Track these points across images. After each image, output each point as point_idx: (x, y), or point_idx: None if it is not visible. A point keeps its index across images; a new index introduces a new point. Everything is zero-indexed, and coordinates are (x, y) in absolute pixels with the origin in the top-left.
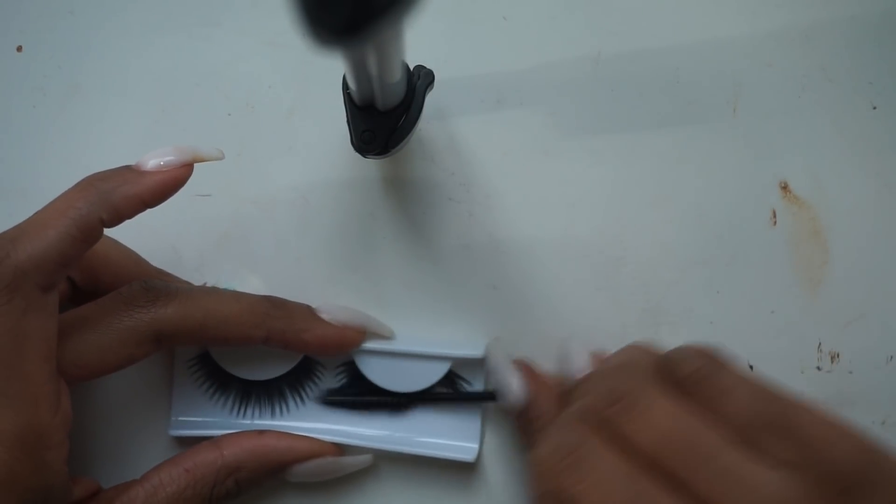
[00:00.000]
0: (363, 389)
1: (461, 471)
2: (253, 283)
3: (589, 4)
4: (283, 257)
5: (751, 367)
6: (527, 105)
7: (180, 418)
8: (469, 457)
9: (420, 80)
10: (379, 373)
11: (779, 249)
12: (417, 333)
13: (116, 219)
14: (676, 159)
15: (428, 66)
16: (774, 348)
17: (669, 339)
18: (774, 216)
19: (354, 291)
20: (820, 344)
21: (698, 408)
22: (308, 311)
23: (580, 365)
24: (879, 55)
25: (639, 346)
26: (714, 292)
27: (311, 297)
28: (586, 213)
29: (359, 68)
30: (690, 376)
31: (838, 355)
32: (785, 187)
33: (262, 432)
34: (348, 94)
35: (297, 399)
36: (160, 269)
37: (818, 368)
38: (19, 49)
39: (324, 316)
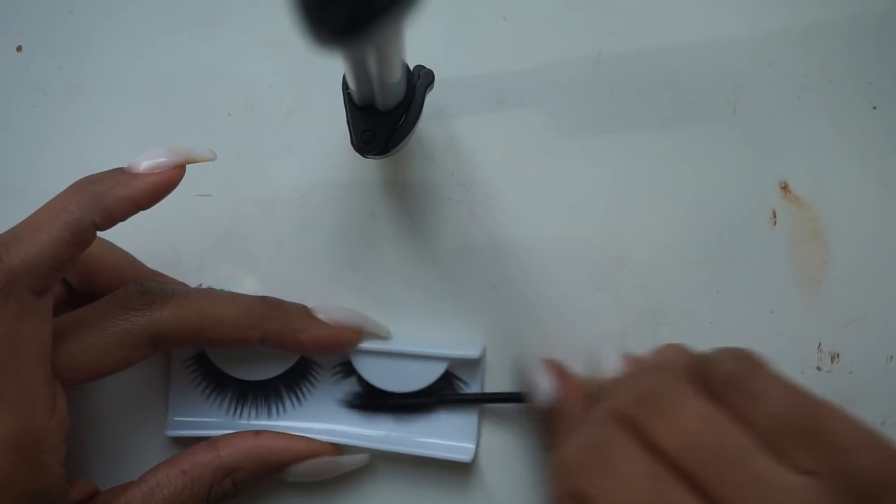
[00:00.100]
0: (388, 393)
1: (458, 471)
2: (249, 284)
3: (589, 4)
4: (283, 257)
5: None
6: (527, 105)
7: (177, 419)
8: (465, 457)
9: (420, 80)
10: (375, 373)
11: (779, 249)
12: (415, 333)
13: (109, 221)
14: (676, 159)
15: (428, 66)
16: (774, 348)
17: (669, 339)
18: (774, 216)
19: (355, 291)
20: (820, 344)
21: (728, 411)
22: (304, 312)
23: (611, 366)
24: (879, 55)
25: (675, 347)
26: (714, 292)
27: (311, 296)
28: (586, 213)
29: (359, 68)
30: (722, 379)
31: (838, 355)
32: (785, 187)
33: (258, 433)
34: (348, 94)
35: (294, 399)
36: (156, 271)
37: (818, 368)
38: (19, 49)
39: (320, 316)
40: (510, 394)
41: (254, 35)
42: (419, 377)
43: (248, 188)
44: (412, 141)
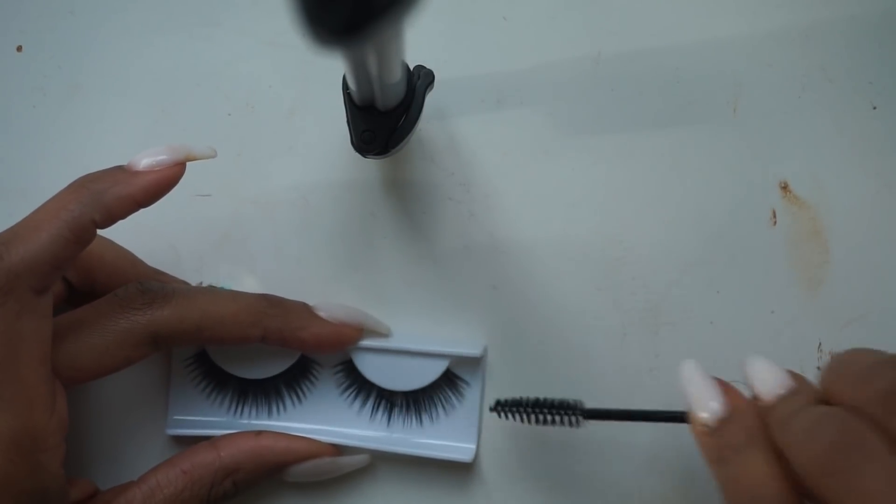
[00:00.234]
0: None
1: (458, 471)
2: (249, 283)
3: (589, 4)
4: (284, 257)
5: None
6: (527, 105)
7: (177, 417)
8: (466, 457)
9: (420, 80)
10: (376, 370)
11: (779, 249)
12: (416, 331)
13: (109, 219)
14: (676, 159)
15: (428, 66)
16: (774, 348)
17: (669, 339)
18: (774, 216)
19: (355, 291)
20: (820, 344)
21: None
22: (305, 309)
23: (775, 382)
24: (879, 55)
25: (874, 351)
26: (714, 292)
27: (311, 296)
28: (586, 212)
29: (359, 68)
30: None
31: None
32: (785, 187)
33: (259, 433)
34: (348, 94)
35: (294, 398)
36: (157, 269)
37: (818, 368)
38: (19, 49)
39: (321, 314)
40: (671, 413)
41: (254, 35)
42: (420, 375)
43: (248, 188)
44: (412, 141)
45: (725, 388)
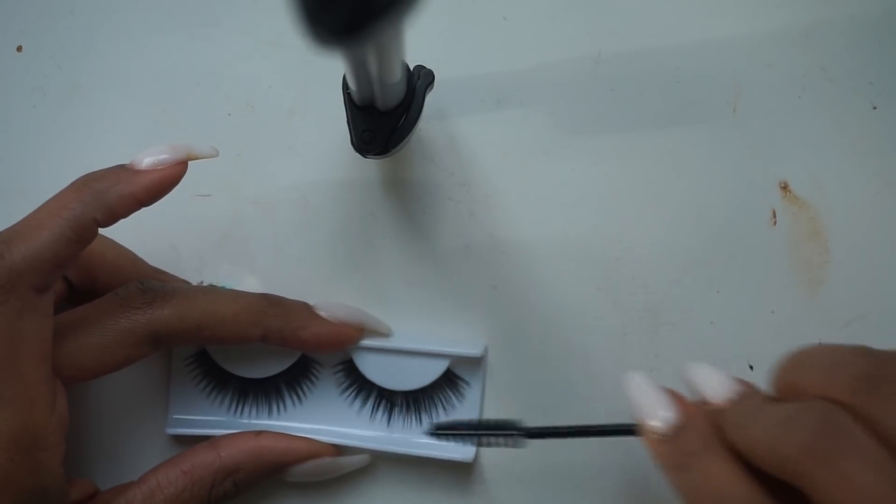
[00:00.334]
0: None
1: (459, 471)
2: (250, 283)
3: (589, 4)
4: (284, 257)
5: (751, 367)
6: (527, 105)
7: (177, 416)
8: (467, 457)
9: (420, 80)
10: (376, 370)
11: (779, 249)
12: (417, 331)
13: (111, 218)
14: (676, 159)
15: (428, 66)
16: (774, 348)
17: (669, 339)
18: (774, 216)
19: (355, 291)
20: (820, 344)
21: None
22: (305, 309)
23: (723, 386)
24: (879, 55)
25: (843, 345)
26: (714, 292)
27: (311, 296)
28: (586, 212)
29: (359, 68)
30: None
31: None
32: (785, 187)
33: (259, 433)
34: (348, 94)
35: (295, 397)
36: (157, 269)
37: None
38: (19, 49)
39: (321, 313)
40: (619, 426)
41: (254, 35)
42: (420, 375)
43: (248, 188)
44: (412, 141)
45: (674, 396)
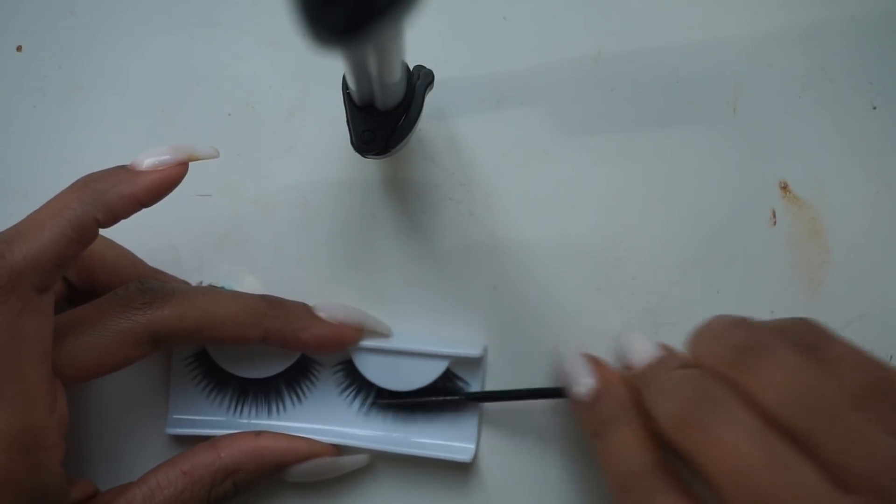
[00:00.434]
0: (422, 392)
1: (458, 471)
2: (250, 283)
3: (589, 4)
4: (283, 257)
5: None
6: (527, 105)
7: (177, 416)
8: (466, 457)
9: (420, 80)
10: (376, 371)
11: (779, 249)
12: (416, 332)
13: (112, 219)
14: (676, 159)
15: (428, 66)
16: None
17: (669, 339)
18: (774, 216)
19: (355, 291)
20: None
21: (820, 369)
22: (305, 310)
23: (646, 352)
24: (879, 55)
25: (732, 316)
26: (714, 292)
27: (311, 296)
28: (586, 212)
29: (359, 68)
30: (801, 344)
31: None
32: (785, 187)
33: (259, 433)
34: (348, 94)
35: (294, 397)
36: (157, 269)
37: None
38: (19, 49)
39: (321, 314)
40: (549, 389)
41: (254, 35)
42: (420, 375)
43: (248, 188)
44: (412, 141)
45: (595, 363)
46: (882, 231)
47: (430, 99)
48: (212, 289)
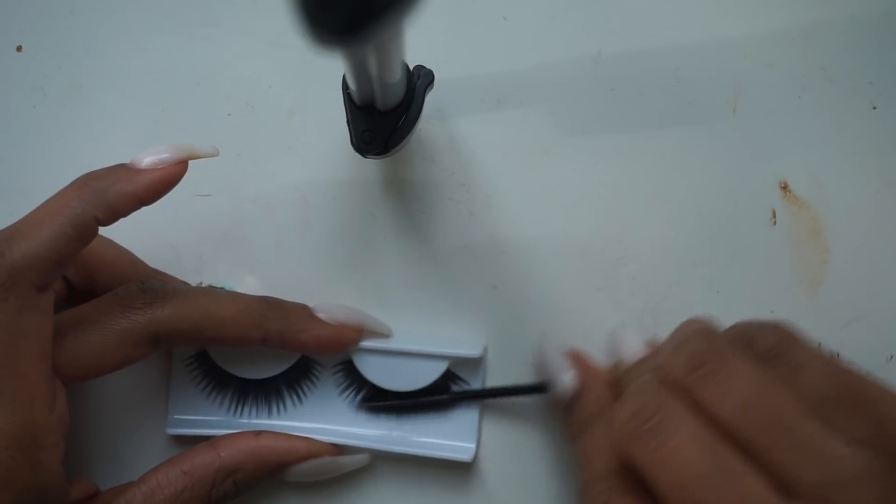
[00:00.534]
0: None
1: (458, 471)
2: (250, 283)
3: (589, 4)
4: (284, 257)
5: None
6: (527, 105)
7: (177, 417)
8: (466, 457)
9: (420, 80)
10: (376, 371)
11: (779, 249)
12: (416, 332)
13: (111, 217)
14: (676, 159)
15: (428, 66)
16: None
17: None
18: (774, 216)
19: (355, 291)
20: (820, 344)
21: (777, 380)
22: (305, 311)
23: (634, 350)
24: (879, 55)
25: (702, 321)
26: (714, 292)
27: (311, 296)
28: (586, 212)
29: (359, 68)
30: (767, 352)
31: (838, 355)
32: (785, 187)
33: (259, 433)
34: (348, 94)
35: (295, 398)
36: (156, 270)
37: None
38: (19, 49)
39: (321, 315)
40: (531, 386)
41: (254, 35)
42: (420, 376)
43: (248, 188)
44: (412, 141)
45: (579, 361)
46: (882, 231)
47: (430, 99)
48: (212, 290)
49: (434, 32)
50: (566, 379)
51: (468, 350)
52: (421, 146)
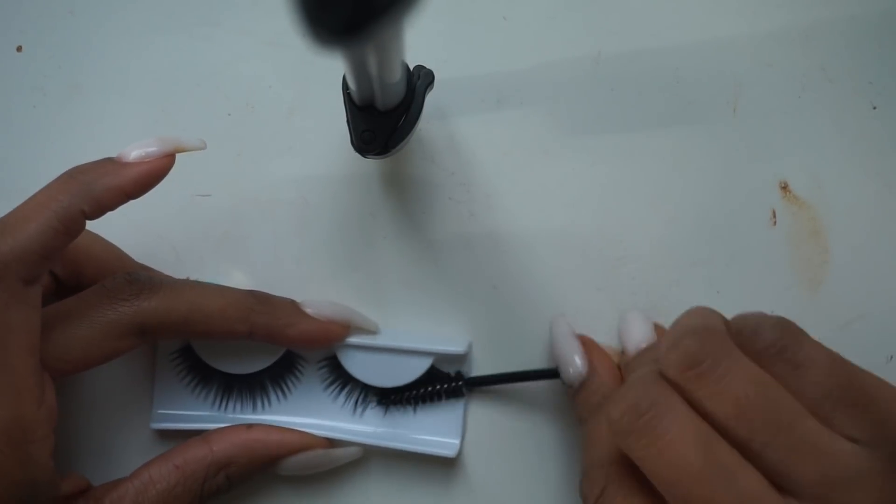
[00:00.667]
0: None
1: (444, 465)
2: (237, 278)
3: (589, 4)
4: (283, 257)
5: None
6: (527, 105)
7: (161, 411)
8: (450, 452)
9: (420, 80)
10: (360, 367)
11: (779, 249)
12: (403, 329)
13: (98, 210)
14: (676, 159)
15: (428, 66)
16: None
17: None
18: (774, 216)
19: (354, 291)
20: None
21: (776, 378)
22: (292, 306)
23: (642, 335)
24: (879, 55)
25: (708, 310)
26: (714, 292)
27: (310, 296)
28: (586, 212)
29: (359, 68)
30: (769, 348)
31: None
32: (785, 187)
33: (251, 426)
34: (348, 94)
35: (279, 393)
36: (143, 265)
37: None
38: (19, 49)
39: (308, 311)
40: (543, 371)
41: (254, 35)
42: (404, 372)
43: (248, 188)
44: (412, 141)
45: (588, 346)
46: (882, 231)
47: (430, 99)
48: (199, 283)
49: (434, 32)
50: (577, 363)
51: (453, 347)
52: (421, 146)
